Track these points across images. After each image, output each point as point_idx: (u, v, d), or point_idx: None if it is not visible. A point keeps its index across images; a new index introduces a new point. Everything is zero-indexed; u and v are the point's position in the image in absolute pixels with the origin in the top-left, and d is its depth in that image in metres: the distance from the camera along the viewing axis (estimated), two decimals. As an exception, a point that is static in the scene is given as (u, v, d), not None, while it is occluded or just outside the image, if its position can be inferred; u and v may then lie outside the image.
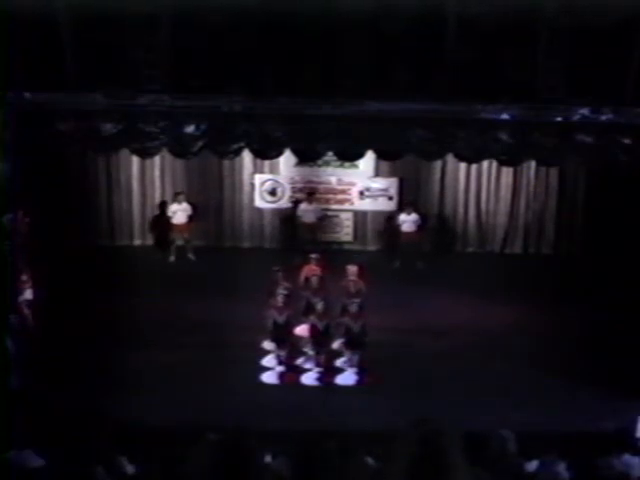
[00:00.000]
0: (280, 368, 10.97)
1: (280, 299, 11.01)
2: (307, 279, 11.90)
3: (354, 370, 10.92)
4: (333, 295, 11.45)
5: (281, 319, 11.00)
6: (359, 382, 10.81)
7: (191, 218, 15.09)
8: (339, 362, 11.10)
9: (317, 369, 10.97)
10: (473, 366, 10.94)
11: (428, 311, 12.67)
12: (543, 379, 10.62)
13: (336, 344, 11.20)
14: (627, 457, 7.48)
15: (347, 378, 10.84)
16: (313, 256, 12.37)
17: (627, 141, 9.73)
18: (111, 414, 9.21)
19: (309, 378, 10.87)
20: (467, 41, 9.17)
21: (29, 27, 8.79)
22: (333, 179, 15.59)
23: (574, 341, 11.56)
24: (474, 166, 15.14)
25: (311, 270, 12.08)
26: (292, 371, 10.99)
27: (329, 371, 10.95)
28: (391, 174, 15.57)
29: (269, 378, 10.82)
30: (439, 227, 15.81)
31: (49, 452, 7.11)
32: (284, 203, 15.63)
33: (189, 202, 15.06)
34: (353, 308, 10.93)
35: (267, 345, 11.21)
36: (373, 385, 10.64)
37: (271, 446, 6.81)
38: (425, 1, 8.90)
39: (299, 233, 15.23)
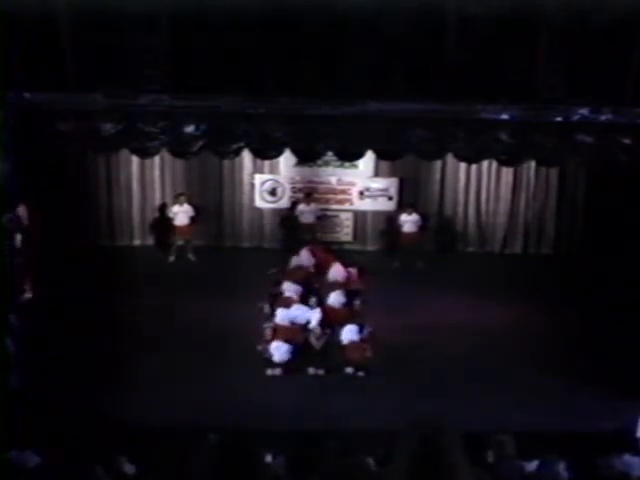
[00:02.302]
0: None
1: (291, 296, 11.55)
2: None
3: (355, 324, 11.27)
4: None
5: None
6: (360, 332, 11.11)
7: (193, 219, 15.09)
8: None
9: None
10: (473, 366, 10.94)
11: (428, 311, 12.66)
12: (543, 379, 10.62)
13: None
14: (627, 457, 7.49)
15: (349, 331, 11.10)
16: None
17: (627, 141, 9.73)
18: (111, 414, 9.22)
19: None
20: (467, 41, 9.17)
21: (29, 27, 8.79)
22: (333, 179, 15.59)
23: (574, 341, 11.56)
24: (474, 166, 15.14)
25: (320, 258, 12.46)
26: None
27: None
28: (391, 174, 15.57)
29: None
30: (439, 227, 15.82)
31: (49, 452, 7.11)
32: (284, 203, 15.64)
33: (190, 203, 15.06)
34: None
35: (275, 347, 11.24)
36: (373, 385, 10.64)
37: (271, 446, 6.82)
38: (425, 1, 8.90)
39: (298, 234, 15.24)
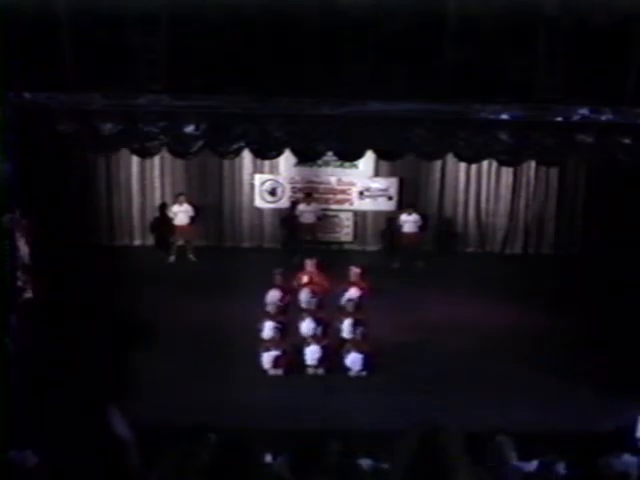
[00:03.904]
0: (276, 352, 10.99)
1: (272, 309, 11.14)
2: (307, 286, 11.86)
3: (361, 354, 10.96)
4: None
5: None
6: (365, 365, 10.86)
7: (193, 219, 15.11)
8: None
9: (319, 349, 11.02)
10: (473, 366, 10.94)
11: (428, 311, 12.67)
12: (543, 379, 10.62)
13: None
14: (627, 457, 7.48)
15: (355, 361, 10.89)
16: (309, 262, 12.17)
17: (627, 141, 9.72)
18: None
19: (312, 354, 10.95)
20: (467, 41, 9.16)
21: (29, 27, 8.78)
22: (333, 179, 15.61)
23: (574, 341, 11.56)
24: (474, 166, 15.16)
25: (309, 279, 12.00)
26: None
27: (332, 354, 11.05)
28: (391, 174, 15.60)
29: (267, 361, 10.91)
30: (439, 227, 15.83)
31: (49, 452, 7.10)
32: (284, 203, 15.65)
33: (190, 203, 15.07)
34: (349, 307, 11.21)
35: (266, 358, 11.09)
36: (373, 385, 10.64)
37: (271, 446, 6.82)
38: (425, 1, 8.90)
39: (299, 233, 15.25)
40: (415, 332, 11.89)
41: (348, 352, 10.99)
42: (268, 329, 11.06)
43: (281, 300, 11.31)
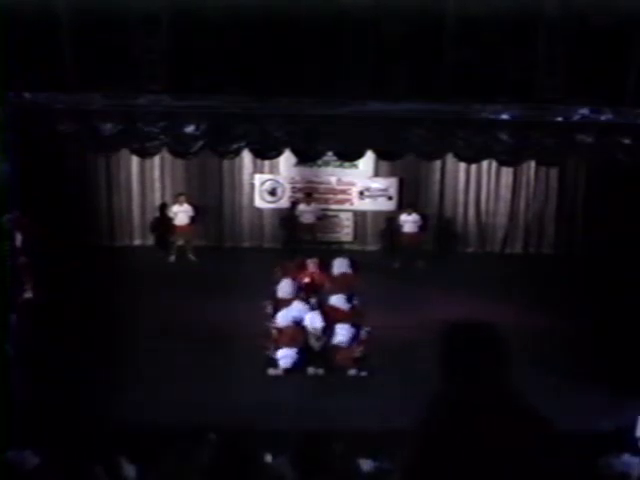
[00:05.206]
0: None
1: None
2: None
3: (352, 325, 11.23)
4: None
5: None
6: (355, 334, 11.13)
7: (193, 219, 15.11)
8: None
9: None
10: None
11: (428, 311, 12.65)
12: (543, 379, 10.61)
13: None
14: (627, 457, 7.49)
15: (340, 333, 11.11)
16: (311, 262, 12.36)
17: (627, 141, 9.72)
18: (111, 414, 9.22)
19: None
20: (467, 41, 9.16)
21: (29, 27, 8.78)
22: (333, 179, 15.61)
23: (574, 341, 11.55)
24: (474, 166, 15.16)
25: (311, 279, 12.20)
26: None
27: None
28: (391, 174, 15.60)
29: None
30: (439, 227, 15.84)
31: (49, 452, 7.11)
32: (284, 203, 15.66)
33: (190, 203, 15.08)
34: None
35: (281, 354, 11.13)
36: (373, 385, 10.64)
37: (271, 446, 6.82)
38: (425, 1, 8.90)
39: (299, 234, 15.26)
40: (415, 332, 11.87)
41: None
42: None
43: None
